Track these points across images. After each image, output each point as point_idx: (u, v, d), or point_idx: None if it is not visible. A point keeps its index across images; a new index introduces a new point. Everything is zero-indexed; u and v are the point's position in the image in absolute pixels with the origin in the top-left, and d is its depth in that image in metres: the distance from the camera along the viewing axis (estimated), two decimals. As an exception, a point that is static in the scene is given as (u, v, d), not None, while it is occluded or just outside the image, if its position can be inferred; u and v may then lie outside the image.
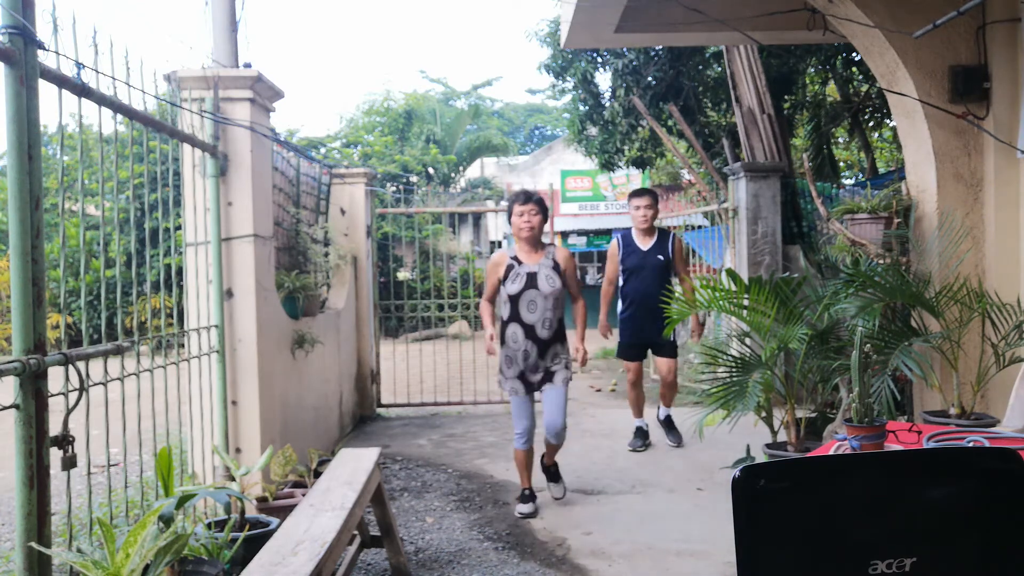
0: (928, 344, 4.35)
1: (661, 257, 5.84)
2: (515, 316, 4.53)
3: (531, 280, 4.50)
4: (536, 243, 4.60)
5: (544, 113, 33.07)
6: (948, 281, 4.50)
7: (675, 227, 9.95)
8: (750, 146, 8.52)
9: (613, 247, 6.04)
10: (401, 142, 20.63)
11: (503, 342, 4.59)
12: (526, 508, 4.56)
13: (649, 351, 6.12)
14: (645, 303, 5.71)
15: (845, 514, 1.25)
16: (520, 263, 4.55)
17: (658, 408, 6.16)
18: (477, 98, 27.75)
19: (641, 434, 5.98)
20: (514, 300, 4.52)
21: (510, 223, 4.63)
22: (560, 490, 4.82)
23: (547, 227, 5.15)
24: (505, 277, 4.56)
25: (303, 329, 5.32)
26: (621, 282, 6.02)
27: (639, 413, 6.06)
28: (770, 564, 1.24)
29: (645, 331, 5.76)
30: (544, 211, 4.61)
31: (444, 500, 4.93)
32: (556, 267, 4.55)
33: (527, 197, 4.60)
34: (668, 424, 6.05)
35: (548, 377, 4.57)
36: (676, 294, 5.11)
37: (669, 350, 5.91)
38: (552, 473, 4.83)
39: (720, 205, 8.02)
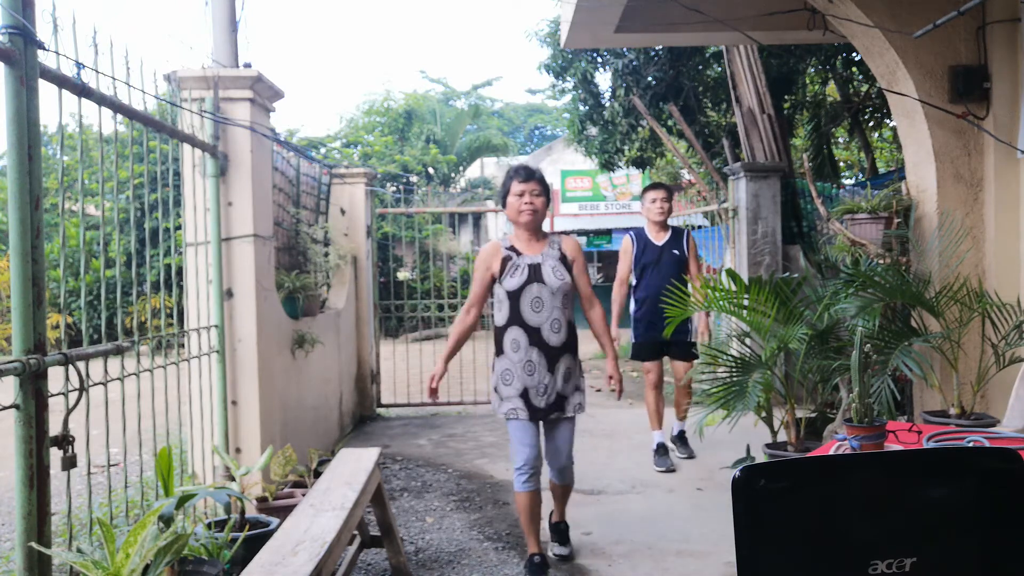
0: (928, 344, 4.35)
1: (677, 252, 5.64)
2: (516, 318, 3.65)
3: (534, 273, 3.65)
4: (537, 230, 3.78)
5: (544, 113, 33.07)
6: (948, 281, 4.50)
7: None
8: (750, 146, 8.52)
9: (627, 244, 5.75)
10: (401, 142, 20.63)
11: (500, 351, 3.74)
12: None
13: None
14: (661, 299, 5.16)
15: (845, 514, 1.25)
16: (519, 254, 3.71)
17: (673, 424, 5.87)
18: (477, 98, 27.76)
19: (663, 451, 5.53)
20: (514, 297, 3.65)
21: (504, 204, 3.79)
22: (566, 550, 3.90)
23: (547, 225, 4.40)
24: (501, 272, 3.69)
25: (303, 329, 5.32)
26: (634, 280, 5.74)
27: (659, 424, 5.61)
28: (770, 564, 1.24)
29: (661, 329, 5.24)
30: (547, 191, 3.78)
31: (444, 500, 4.93)
32: (563, 258, 3.72)
33: (528, 173, 3.73)
34: (681, 439, 5.78)
35: (559, 405, 3.70)
36: (688, 293, 4.82)
37: (685, 352, 5.63)
38: (560, 532, 3.96)
39: (720, 205, 8.02)
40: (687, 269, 5.63)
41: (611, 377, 3.90)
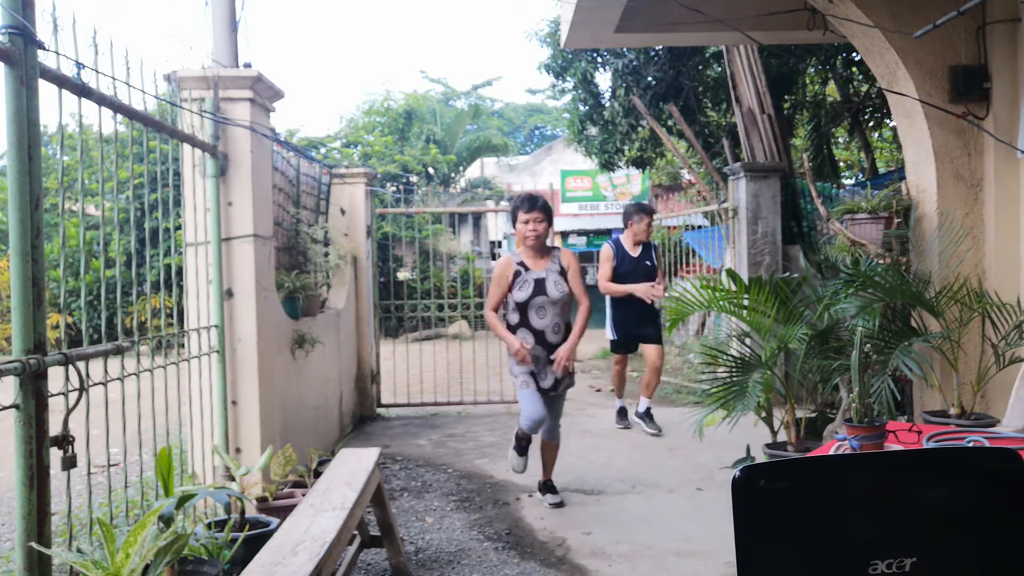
0: (928, 344, 4.36)
1: (648, 263, 6.52)
2: (524, 322, 4.51)
3: (539, 287, 4.47)
4: (542, 249, 4.58)
5: (544, 113, 33.06)
6: (948, 281, 4.50)
7: (675, 227, 9.96)
8: (750, 146, 8.52)
9: (608, 252, 6.58)
10: (401, 142, 20.63)
11: None
12: (518, 464, 4.67)
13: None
14: (636, 303, 6.36)
15: (845, 514, 1.25)
16: (527, 269, 4.52)
17: (638, 402, 6.66)
18: (477, 98, 27.75)
19: (624, 414, 6.75)
20: (522, 307, 4.49)
21: (514, 227, 4.61)
22: (558, 498, 4.73)
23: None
24: (512, 284, 4.51)
25: (303, 329, 5.32)
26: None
27: (621, 394, 6.80)
28: (770, 564, 1.24)
29: (636, 328, 6.50)
30: (549, 217, 4.58)
31: (444, 500, 4.93)
32: (563, 272, 4.53)
33: (532, 204, 4.52)
34: (648, 415, 6.56)
35: (555, 387, 4.56)
36: (675, 295, 5.11)
37: (655, 338, 6.54)
38: (550, 487, 4.81)
39: (720, 205, 8.03)
40: (655, 277, 6.56)
41: (560, 357, 4.47)
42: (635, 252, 6.52)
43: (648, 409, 6.57)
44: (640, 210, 6.60)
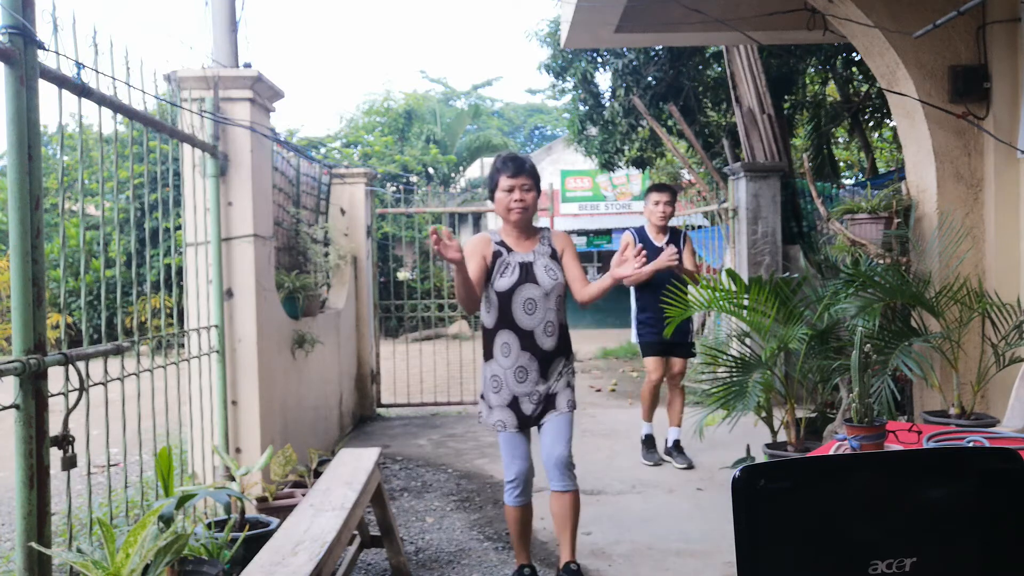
0: (928, 344, 4.35)
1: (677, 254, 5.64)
2: (507, 321, 3.39)
3: (526, 272, 3.39)
4: (528, 227, 3.50)
5: (544, 113, 33.06)
6: (948, 281, 4.50)
7: (674, 227, 9.97)
8: (750, 146, 8.52)
9: (628, 240, 5.68)
10: (401, 142, 20.65)
11: (489, 356, 3.47)
12: None
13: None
14: (659, 301, 5.20)
15: (845, 514, 1.25)
16: (509, 251, 3.44)
17: (668, 432, 5.79)
18: (477, 98, 27.78)
19: (651, 444, 5.79)
20: (504, 299, 3.38)
21: (492, 199, 3.49)
22: None
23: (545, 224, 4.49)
24: (491, 268, 3.43)
25: (303, 329, 5.32)
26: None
27: (649, 416, 5.83)
28: (770, 564, 1.24)
29: (658, 331, 5.45)
30: (538, 184, 3.51)
31: (444, 500, 4.93)
32: (555, 255, 3.47)
33: (518, 167, 3.41)
34: (677, 448, 5.71)
35: (550, 404, 3.44)
36: (687, 294, 4.87)
37: (686, 350, 5.73)
38: (573, 572, 3.48)
39: (720, 205, 8.03)
40: (682, 268, 5.61)
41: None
42: (659, 241, 5.66)
43: (677, 441, 5.69)
44: (654, 188, 5.78)
